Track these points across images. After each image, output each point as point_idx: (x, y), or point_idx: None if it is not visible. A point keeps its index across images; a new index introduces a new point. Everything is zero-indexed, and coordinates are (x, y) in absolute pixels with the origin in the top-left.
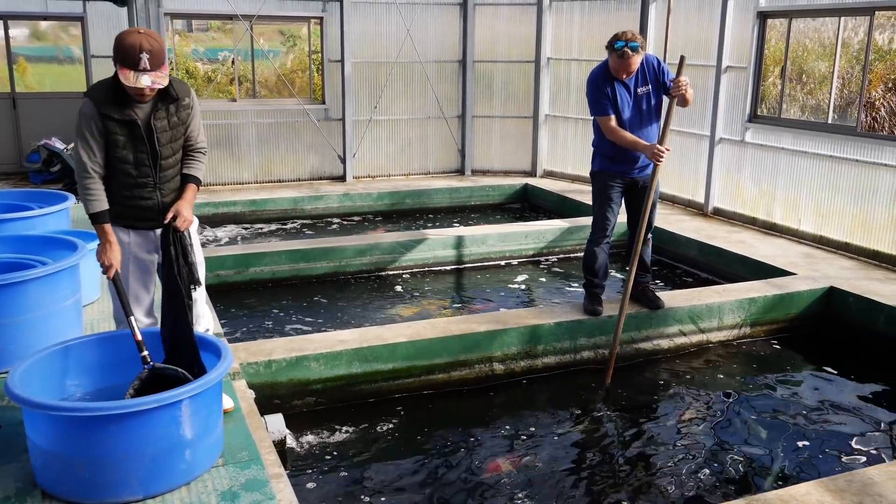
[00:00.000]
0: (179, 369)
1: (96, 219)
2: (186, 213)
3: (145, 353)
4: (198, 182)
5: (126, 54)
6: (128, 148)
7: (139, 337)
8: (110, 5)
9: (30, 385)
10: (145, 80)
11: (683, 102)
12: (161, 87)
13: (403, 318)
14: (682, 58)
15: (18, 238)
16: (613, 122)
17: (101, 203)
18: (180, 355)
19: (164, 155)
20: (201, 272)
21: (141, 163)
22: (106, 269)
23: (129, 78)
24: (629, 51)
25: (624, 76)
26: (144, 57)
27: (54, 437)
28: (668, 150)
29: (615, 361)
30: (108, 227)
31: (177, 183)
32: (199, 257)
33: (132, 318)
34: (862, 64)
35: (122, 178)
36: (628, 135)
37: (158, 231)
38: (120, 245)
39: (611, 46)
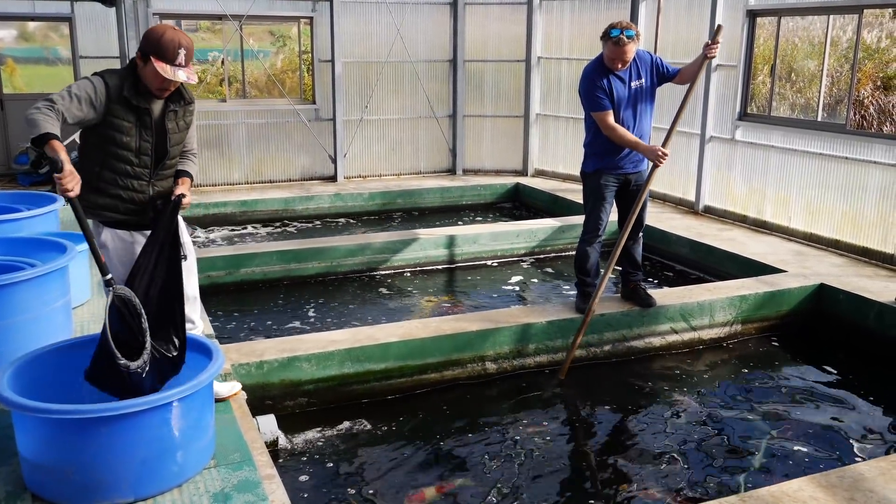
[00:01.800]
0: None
1: (50, 136)
2: (190, 195)
3: (109, 276)
4: (192, 178)
5: (165, 48)
6: (132, 135)
7: (104, 259)
8: (98, 5)
9: (19, 387)
10: (182, 75)
11: (695, 75)
12: (193, 82)
13: (424, 309)
14: (720, 26)
15: (7, 240)
16: (611, 117)
17: (56, 128)
18: (166, 326)
19: (171, 154)
20: (194, 281)
21: (143, 152)
22: (72, 187)
23: (165, 71)
24: (625, 38)
25: (619, 66)
26: (182, 52)
27: (44, 440)
28: (668, 153)
29: (572, 359)
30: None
31: (169, 182)
32: (191, 258)
33: (95, 240)
34: (851, 62)
35: (119, 164)
36: (629, 135)
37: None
38: (125, 249)
39: (606, 35)
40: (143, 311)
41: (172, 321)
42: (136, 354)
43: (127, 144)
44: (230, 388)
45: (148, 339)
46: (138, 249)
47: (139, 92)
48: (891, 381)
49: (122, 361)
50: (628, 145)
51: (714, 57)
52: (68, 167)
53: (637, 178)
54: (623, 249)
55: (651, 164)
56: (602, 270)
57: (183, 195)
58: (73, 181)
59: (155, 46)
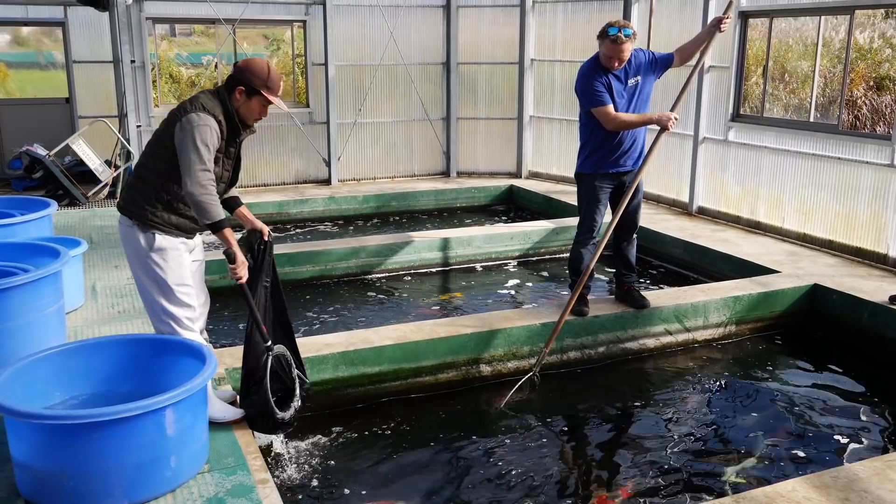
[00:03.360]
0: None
1: (225, 224)
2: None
3: (270, 342)
4: None
5: (274, 82)
6: (219, 164)
7: (266, 329)
8: (91, 10)
9: (12, 393)
10: (285, 105)
11: (702, 46)
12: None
13: (440, 302)
14: (731, 2)
15: (0, 245)
16: (612, 110)
17: (222, 209)
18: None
19: (237, 180)
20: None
21: (222, 179)
22: (244, 274)
23: (275, 102)
24: (623, 36)
25: (616, 65)
26: (281, 83)
27: (37, 446)
28: (678, 117)
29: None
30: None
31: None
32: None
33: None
34: (843, 63)
35: None
36: (633, 116)
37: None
38: (180, 256)
39: (604, 34)
40: (292, 360)
41: (295, 351)
42: (287, 404)
43: (217, 173)
44: (233, 413)
45: (297, 386)
46: (183, 249)
47: (234, 124)
48: (884, 381)
49: (279, 416)
50: (637, 125)
51: (724, 31)
52: (241, 258)
53: (631, 179)
54: (617, 251)
55: (655, 135)
56: (595, 274)
57: (270, 233)
58: (244, 269)
59: (265, 81)
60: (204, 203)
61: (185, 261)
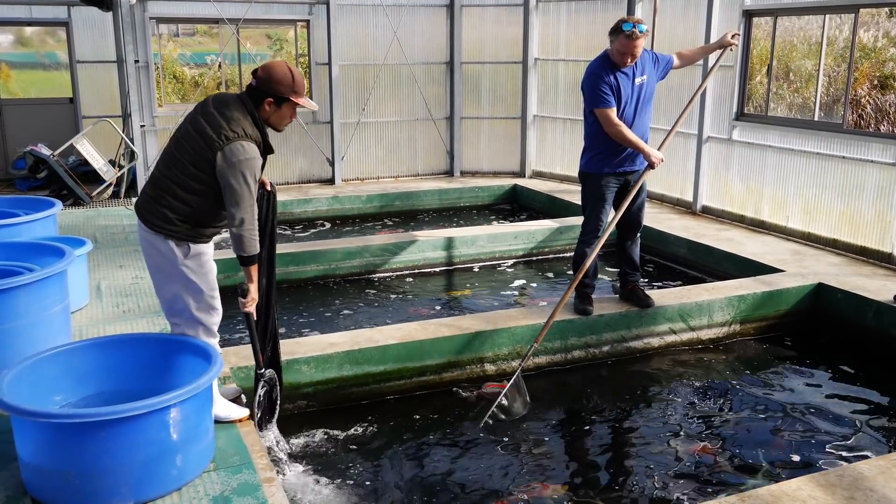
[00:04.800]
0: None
1: (255, 260)
2: None
3: (262, 369)
4: None
5: (299, 84)
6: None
7: (262, 359)
8: (95, 10)
9: (18, 392)
10: (314, 104)
11: (702, 58)
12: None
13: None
14: (736, 34)
15: (5, 245)
16: (615, 114)
17: (258, 245)
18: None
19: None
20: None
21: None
22: (252, 309)
23: (306, 104)
24: (638, 32)
25: (629, 61)
26: (304, 81)
27: (43, 445)
28: (662, 159)
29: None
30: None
31: None
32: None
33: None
34: (847, 61)
35: None
36: (631, 134)
37: None
38: (209, 261)
39: (617, 29)
40: (277, 383)
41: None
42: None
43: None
44: (239, 412)
45: (278, 396)
46: (210, 253)
47: (266, 137)
48: (889, 380)
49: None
50: (629, 144)
51: (732, 50)
52: (252, 296)
53: (636, 177)
54: (621, 250)
55: (646, 164)
56: (599, 273)
57: (273, 184)
58: (253, 305)
59: (291, 87)
60: (247, 238)
61: (213, 266)
